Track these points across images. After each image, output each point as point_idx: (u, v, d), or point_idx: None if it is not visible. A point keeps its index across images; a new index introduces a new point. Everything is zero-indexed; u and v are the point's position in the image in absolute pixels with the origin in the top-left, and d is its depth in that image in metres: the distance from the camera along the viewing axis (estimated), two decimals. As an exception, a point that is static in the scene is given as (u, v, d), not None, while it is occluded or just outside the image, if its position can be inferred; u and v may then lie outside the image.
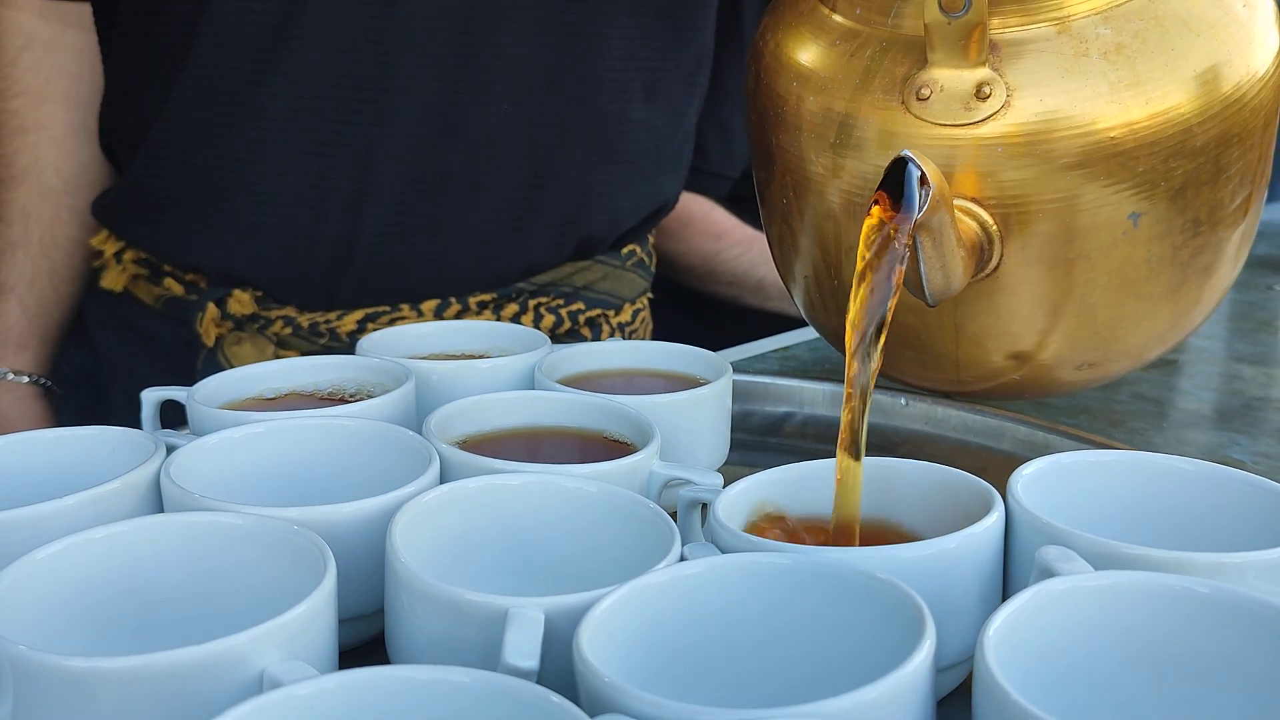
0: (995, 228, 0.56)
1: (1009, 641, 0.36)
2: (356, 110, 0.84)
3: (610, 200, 0.97)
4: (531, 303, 0.96)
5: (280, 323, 0.90)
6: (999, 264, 0.57)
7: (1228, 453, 0.73)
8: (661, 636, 0.40)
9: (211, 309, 0.90)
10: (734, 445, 0.67)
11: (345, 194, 0.86)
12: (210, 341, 0.90)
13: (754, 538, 0.44)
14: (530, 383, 0.64)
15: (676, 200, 1.06)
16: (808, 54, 0.61)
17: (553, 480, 0.48)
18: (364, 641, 0.49)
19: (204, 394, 0.57)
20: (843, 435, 0.48)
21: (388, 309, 0.91)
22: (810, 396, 0.75)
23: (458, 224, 0.90)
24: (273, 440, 0.52)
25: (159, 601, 0.43)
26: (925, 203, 0.48)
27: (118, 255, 0.95)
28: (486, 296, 0.94)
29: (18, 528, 0.44)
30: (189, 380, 0.60)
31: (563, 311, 0.98)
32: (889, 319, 0.48)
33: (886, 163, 0.51)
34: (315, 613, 0.39)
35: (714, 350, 0.69)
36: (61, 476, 0.50)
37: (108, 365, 1.01)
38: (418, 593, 0.41)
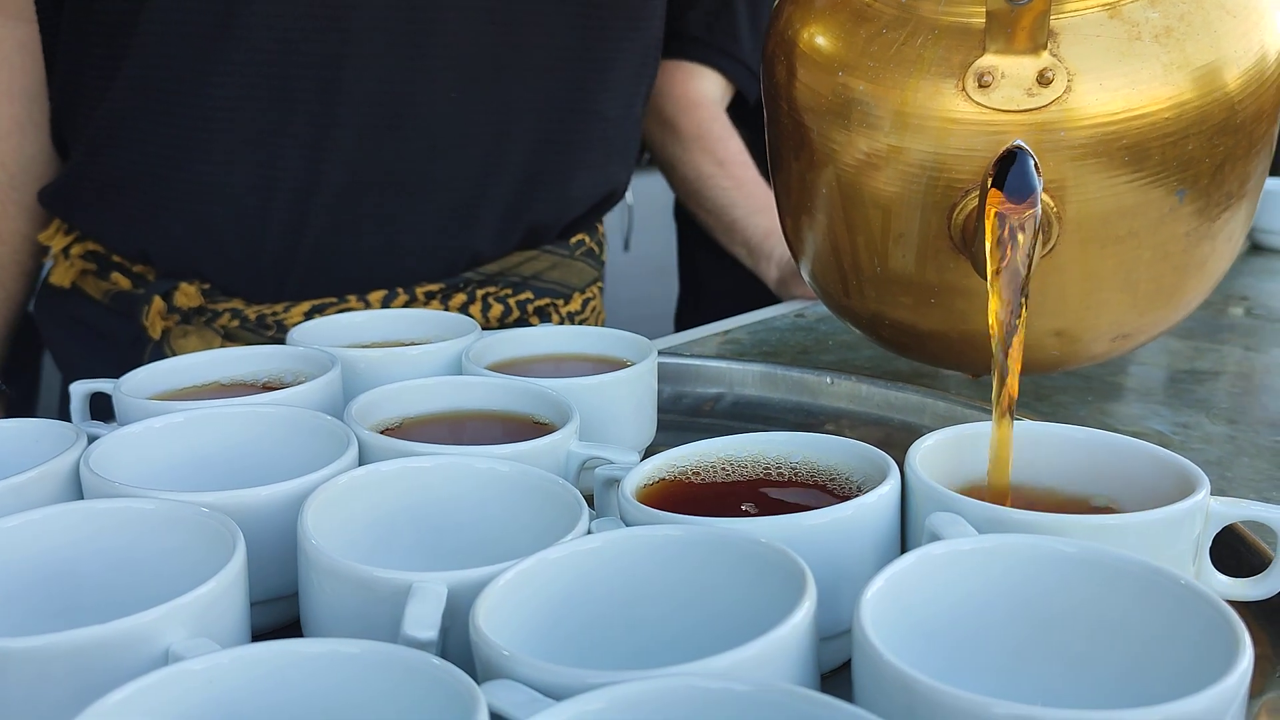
0: (1055, 209, 0.57)
1: (886, 605, 0.37)
2: (303, 100, 0.85)
3: (558, 189, 0.98)
4: (479, 292, 0.97)
5: (227, 315, 0.91)
6: (1055, 244, 0.58)
7: (1148, 424, 0.75)
8: (561, 608, 0.41)
9: (157, 301, 0.90)
10: (665, 426, 0.69)
11: (292, 184, 0.87)
12: (156, 334, 0.91)
13: (657, 511, 0.45)
14: (459, 369, 0.65)
15: (625, 189, 1.07)
16: (851, 43, 0.61)
17: (465, 462, 0.50)
18: (286, 623, 0.50)
19: (131, 385, 0.58)
20: (996, 410, 0.50)
21: (335, 300, 0.92)
22: (740, 377, 0.76)
23: (405, 213, 0.91)
24: (194, 429, 0.53)
25: (76, 587, 0.44)
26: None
27: (65, 250, 0.95)
28: (434, 287, 0.95)
29: (-65, 519, 0.45)
30: None
31: (511, 301, 0.99)
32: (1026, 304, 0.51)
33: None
34: (222, 591, 0.40)
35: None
36: (-16, 468, 0.51)
37: (57, 361, 1.01)
38: (326, 571, 0.42)
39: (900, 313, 0.65)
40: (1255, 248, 1.31)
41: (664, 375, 0.73)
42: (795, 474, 0.51)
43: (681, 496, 0.49)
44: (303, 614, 0.45)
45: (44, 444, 0.52)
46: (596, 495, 0.53)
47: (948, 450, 0.50)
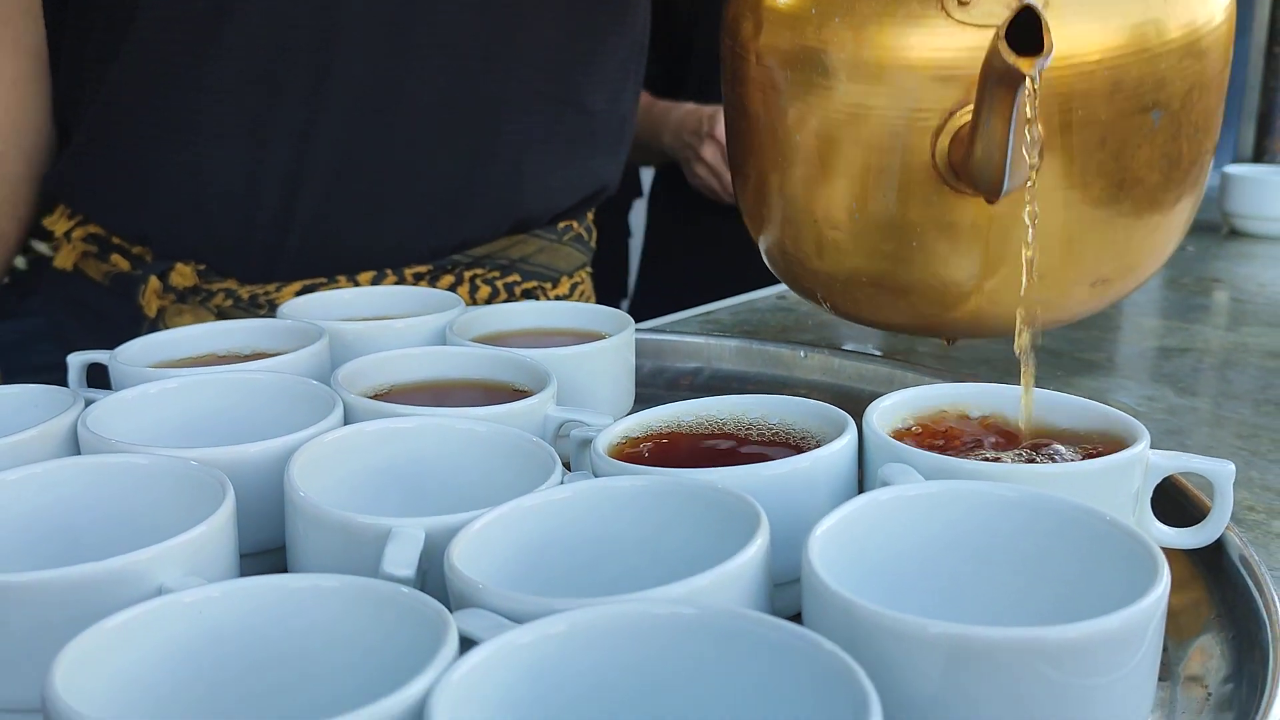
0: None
1: (836, 543, 0.40)
2: (295, 85, 0.87)
3: (545, 182, 0.99)
4: (467, 275, 0.99)
5: (221, 295, 0.93)
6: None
7: (1114, 396, 0.77)
8: (533, 554, 0.44)
9: (154, 281, 0.93)
10: (644, 400, 0.71)
11: (284, 168, 0.89)
12: (152, 313, 0.93)
13: (624, 463, 0.47)
14: (443, 343, 0.67)
15: (615, 185, 1.09)
16: None
17: (447, 423, 0.52)
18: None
19: (126, 355, 0.61)
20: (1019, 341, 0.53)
21: (325, 280, 0.94)
22: (717, 352, 0.79)
23: (394, 199, 0.93)
24: (186, 394, 0.56)
25: (73, 537, 0.47)
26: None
27: (68, 234, 0.97)
28: (423, 269, 0.97)
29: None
30: None
31: (498, 283, 1.01)
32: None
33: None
34: (213, 535, 0.42)
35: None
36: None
37: (61, 342, 1.03)
38: (311, 519, 0.45)
39: (879, 264, 0.64)
40: (1232, 232, 1.34)
41: (644, 351, 0.75)
42: (760, 433, 0.53)
43: (651, 453, 0.52)
44: (289, 564, 0.47)
45: (43, 408, 0.54)
46: (572, 457, 0.56)
47: (904, 409, 0.52)
